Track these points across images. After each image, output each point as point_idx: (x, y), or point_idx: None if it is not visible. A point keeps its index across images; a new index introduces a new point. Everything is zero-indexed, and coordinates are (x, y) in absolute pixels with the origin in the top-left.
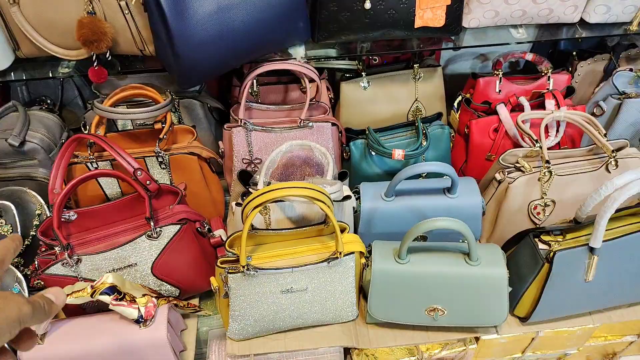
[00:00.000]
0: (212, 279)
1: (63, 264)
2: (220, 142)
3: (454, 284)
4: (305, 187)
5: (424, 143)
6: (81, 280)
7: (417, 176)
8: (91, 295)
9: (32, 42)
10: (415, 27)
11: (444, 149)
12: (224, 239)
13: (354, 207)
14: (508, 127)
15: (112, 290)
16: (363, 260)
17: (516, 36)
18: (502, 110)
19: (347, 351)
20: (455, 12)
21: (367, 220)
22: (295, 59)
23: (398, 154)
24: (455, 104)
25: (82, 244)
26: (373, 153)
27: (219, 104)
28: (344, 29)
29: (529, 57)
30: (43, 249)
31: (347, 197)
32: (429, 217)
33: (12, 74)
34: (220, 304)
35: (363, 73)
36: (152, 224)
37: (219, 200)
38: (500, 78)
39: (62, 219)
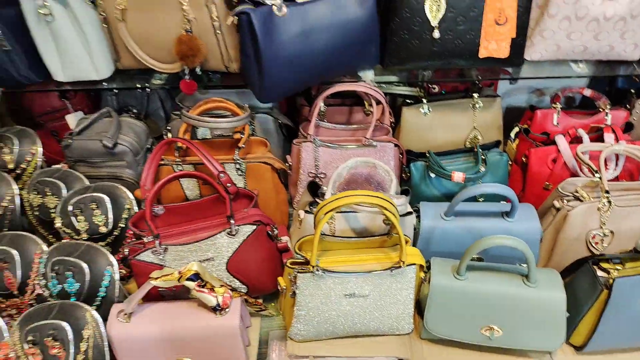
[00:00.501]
0: (279, 279)
1: (152, 252)
2: (287, 156)
3: (511, 304)
4: (376, 196)
5: (483, 169)
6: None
7: (475, 200)
8: (178, 280)
9: (132, 55)
10: (480, 57)
11: (502, 176)
12: (289, 245)
13: (413, 225)
14: (567, 157)
15: (197, 277)
16: (422, 275)
17: (576, 70)
18: (561, 141)
19: None
20: (518, 44)
21: (426, 238)
22: (364, 81)
23: (458, 176)
24: (512, 135)
25: (168, 236)
26: (432, 175)
27: (289, 121)
28: (412, 57)
29: (587, 92)
30: (129, 240)
31: (409, 213)
32: None
33: (113, 83)
34: (285, 304)
35: (424, 100)
36: (232, 222)
37: (284, 210)
38: (559, 111)
39: (152, 213)
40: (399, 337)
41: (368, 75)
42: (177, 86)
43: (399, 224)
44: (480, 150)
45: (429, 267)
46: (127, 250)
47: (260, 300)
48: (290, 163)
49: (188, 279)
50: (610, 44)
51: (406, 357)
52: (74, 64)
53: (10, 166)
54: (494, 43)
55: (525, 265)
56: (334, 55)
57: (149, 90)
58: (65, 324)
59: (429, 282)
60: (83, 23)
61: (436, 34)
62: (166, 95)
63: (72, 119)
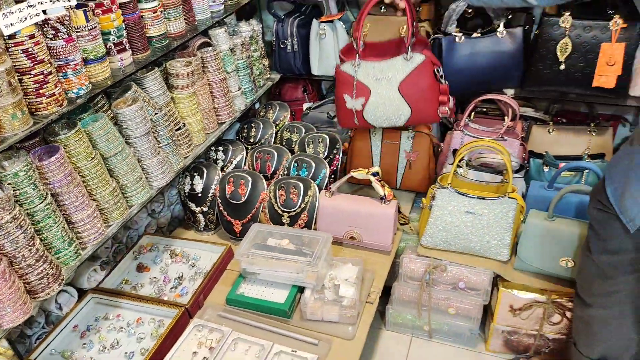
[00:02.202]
0: (423, 200)
1: (352, 64)
2: (441, 143)
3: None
4: (500, 146)
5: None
6: (356, 82)
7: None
8: (366, 174)
9: None
10: (592, 86)
11: None
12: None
13: (522, 192)
14: None
15: (375, 174)
16: (522, 217)
17: None
18: None
19: (494, 282)
20: (623, 80)
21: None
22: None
23: (562, 166)
24: None
25: (363, 56)
26: (546, 169)
27: (447, 120)
28: (544, 82)
29: None
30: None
31: (520, 169)
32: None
33: None
34: (423, 216)
35: (551, 122)
36: (409, 47)
37: (432, 174)
38: None
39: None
40: (498, 262)
41: (509, 92)
42: None
43: (510, 168)
44: (586, 156)
45: (526, 216)
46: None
47: (406, 215)
48: (442, 148)
49: (372, 174)
50: None
51: (500, 272)
52: (326, 64)
53: (272, 119)
54: (604, 77)
55: None
56: (489, 73)
57: None
58: (300, 183)
59: (525, 222)
60: (341, 42)
61: (562, 66)
62: None
63: (306, 106)
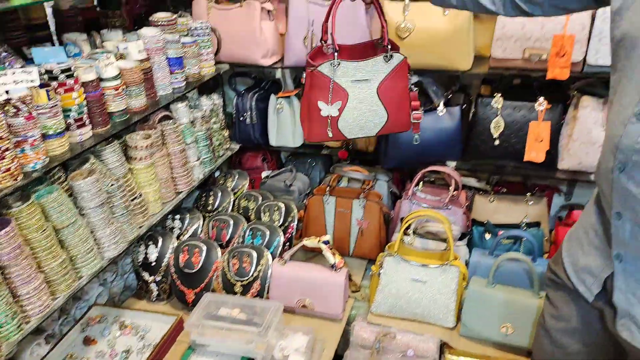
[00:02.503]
0: (373, 267)
1: (330, 63)
2: (391, 211)
3: (522, 311)
4: (441, 216)
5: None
6: (332, 84)
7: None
8: (317, 242)
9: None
10: (524, 160)
11: (538, 247)
12: None
13: (465, 259)
14: None
15: (326, 242)
16: (464, 283)
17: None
18: None
19: (442, 349)
20: (551, 155)
21: (473, 266)
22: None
23: (501, 234)
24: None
25: (341, 56)
26: (487, 236)
27: (397, 190)
28: (481, 156)
29: None
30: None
31: (463, 237)
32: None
33: (302, 149)
34: (372, 284)
35: (491, 192)
36: (388, 47)
37: (383, 241)
38: None
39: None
40: (443, 328)
41: (452, 164)
42: (331, 162)
43: (451, 236)
44: (523, 224)
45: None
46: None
47: (357, 283)
48: (393, 216)
49: (323, 242)
50: None
51: (445, 339)
52: (283, 136)
53: (230, 187)
54: (534, 152)
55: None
56: (432, 147)
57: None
58: (253, 251)
59: (468, 289)
60: (297, 116)
61: (497, 142)
62: (322, 167)
63: (264, 174)
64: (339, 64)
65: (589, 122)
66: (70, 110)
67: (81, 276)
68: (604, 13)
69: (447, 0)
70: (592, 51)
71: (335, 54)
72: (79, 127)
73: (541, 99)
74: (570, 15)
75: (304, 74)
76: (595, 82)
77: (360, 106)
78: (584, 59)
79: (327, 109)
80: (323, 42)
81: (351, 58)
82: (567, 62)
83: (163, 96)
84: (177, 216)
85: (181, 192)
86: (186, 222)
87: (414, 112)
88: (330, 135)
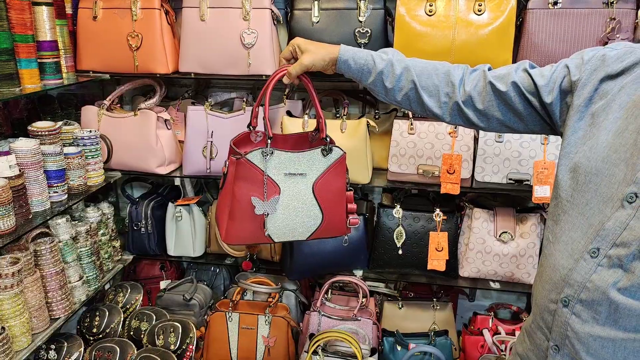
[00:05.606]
0: None
1: (262, 152)
2: (300, 323)
3: None
4: (349, 336)
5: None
6: (266, 178)
7: None
8: None
9: (219, 246)
10: (428, 269)
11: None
12: None
13: None
14: (489, 344)
15: None
16: None
17: (493, 287)
18: (487, 334)
19: None
20: (452, 264)
21: None
22: (356, 276)
23: (412, 346)
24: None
25: (274, 144)
26: (399, 348)
27: (305, 300)
28: (387, 265)
29: (514, 308)
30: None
31: (373, 352)
32: None
33: (202, 259)
34: None
35: (399, 298)
36: (328, 140)
37: (292, 357)
38: (492, 317)
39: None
40: None
41: (358, 273)
42: (237, 269)
43: (360, 357)
44: (433, 334)
45: None
46: (242, 151)
47: None
48: (302, 328)
49: None
50: (511, 270)
51: None
52: (182, 245)
53: (121, 304)
54: (436, 262)
55: None
56: (338, 257)
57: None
58: None
59: None
60: (197, 224)
61: (400, 251)
62: (227, 275)
63: (163, 285)
64: (272, 153)
65: (482, 232)
66: None
67: None
68: (485, 135)
69: (392, 97)
70: (478, 169)
71: (269, 141)
72: None
73: (437, 210)
74: (456, 138)
75: (227, 163)
76: (484, 195)
77: (294, 204)
78: (472, 176)
79: (263, 207)
80: (251, 127)
81: (285, 148)
82: (457, 178)
83: (40, 212)
84: (53, 346)
85: (58, 318)
86: (63, 352)
87: (350, 216)
88: (263, 237)
